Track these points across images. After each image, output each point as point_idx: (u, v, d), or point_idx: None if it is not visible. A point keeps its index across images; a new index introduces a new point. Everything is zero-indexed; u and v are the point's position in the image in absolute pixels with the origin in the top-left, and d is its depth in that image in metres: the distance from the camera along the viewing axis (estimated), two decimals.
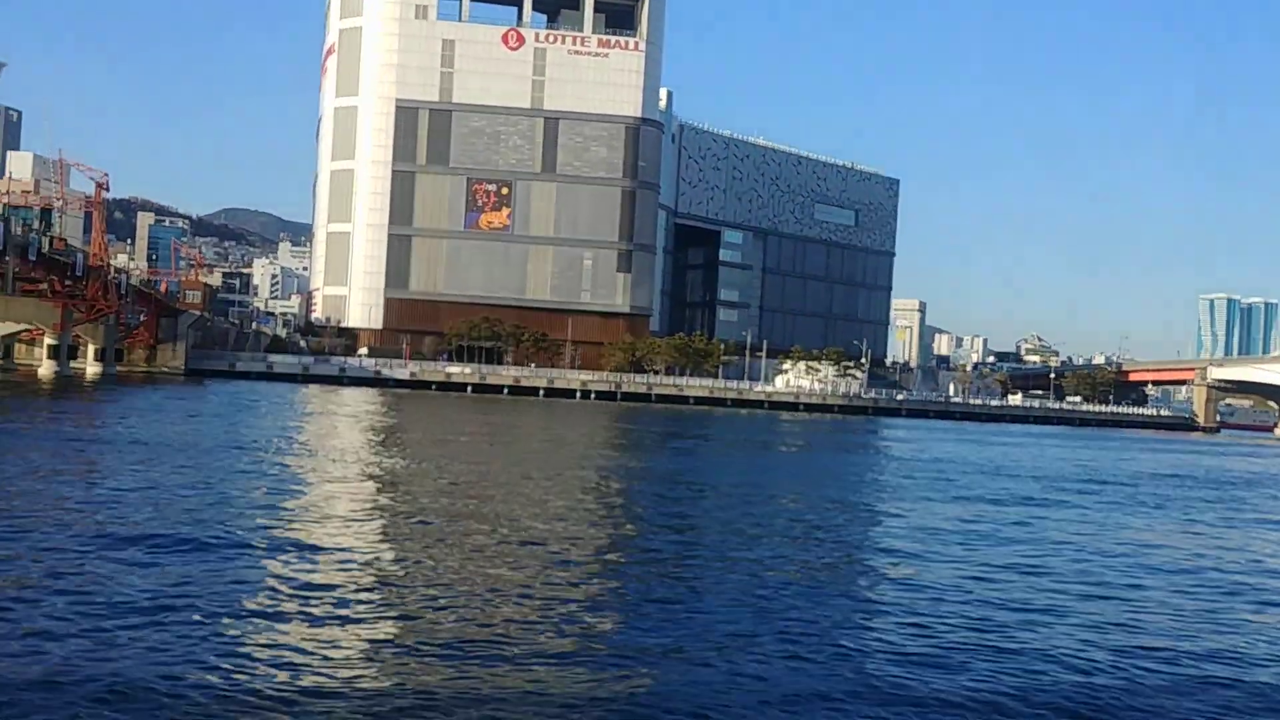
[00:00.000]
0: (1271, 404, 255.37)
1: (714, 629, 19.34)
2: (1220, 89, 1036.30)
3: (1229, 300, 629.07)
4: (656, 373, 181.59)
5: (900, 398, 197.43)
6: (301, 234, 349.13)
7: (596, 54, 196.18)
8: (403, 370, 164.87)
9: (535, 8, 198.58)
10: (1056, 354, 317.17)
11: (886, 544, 31.80)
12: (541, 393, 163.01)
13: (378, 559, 24.14)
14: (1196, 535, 39.50)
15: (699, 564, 26.04)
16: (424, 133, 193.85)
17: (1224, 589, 27.47)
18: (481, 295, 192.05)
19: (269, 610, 18.84)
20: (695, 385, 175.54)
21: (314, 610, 19.03)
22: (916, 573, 26.48)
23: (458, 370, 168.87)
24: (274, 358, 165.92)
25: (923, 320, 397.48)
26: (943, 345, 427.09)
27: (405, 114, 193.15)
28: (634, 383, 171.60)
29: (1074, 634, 20.79)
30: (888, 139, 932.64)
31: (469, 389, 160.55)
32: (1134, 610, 23.55)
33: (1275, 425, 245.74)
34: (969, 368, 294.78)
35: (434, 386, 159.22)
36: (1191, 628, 22.20)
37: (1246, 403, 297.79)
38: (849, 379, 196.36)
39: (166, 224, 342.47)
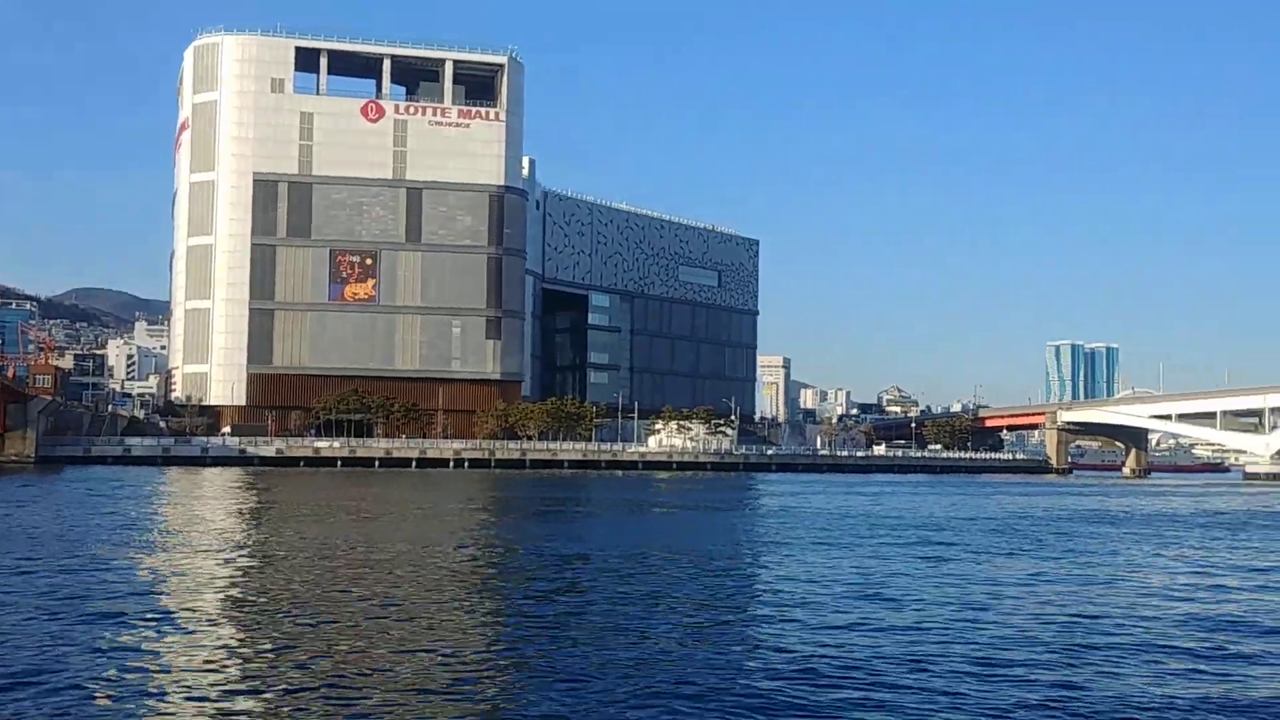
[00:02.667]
0: (1118, 444, 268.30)
1: (589, 698, 19.92)
2: (1063, 153, 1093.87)
3: (1073, 346, 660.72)
4: (530, 438, 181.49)
5: (770, 453, 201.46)
6: (158, 312, 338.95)
7: (457, 124, 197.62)
8: (269, 447, 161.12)
9: (394, 80, 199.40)
10: (916, 404, 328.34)
11: (767, 599, 32.96)
12: (414, 464, 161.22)
13: (244, 645, 23.95)
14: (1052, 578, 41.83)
15: (579, 629, 26.58)
16: (284, 205, 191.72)
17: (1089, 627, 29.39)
18: (349, 367, 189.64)
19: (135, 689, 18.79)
20: (569, 449, 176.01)
21: (171, 695, 19.04)
22: (800, 627, 27.62)
23: (326, 445, 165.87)
24: (132, 440, 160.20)
25: (788, 376, 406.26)
26: (808, 399, 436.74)
27: (264, 187, 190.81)
28: (508, 449, 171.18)
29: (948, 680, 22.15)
30: (748, 200, 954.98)
31: (339, 464, 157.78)
32: (1021, 654, 25.11)
33: (1123, 464, 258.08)
34: (834, 420, 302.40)
35: (302, 463, 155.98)
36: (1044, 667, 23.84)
37: (1094, 443, 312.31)
38: (720, 436, 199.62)
39: (13, 306, 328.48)
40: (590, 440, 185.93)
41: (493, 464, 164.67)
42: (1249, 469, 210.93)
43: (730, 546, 49.46)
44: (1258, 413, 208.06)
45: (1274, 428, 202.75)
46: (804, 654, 23.54)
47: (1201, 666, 23.15)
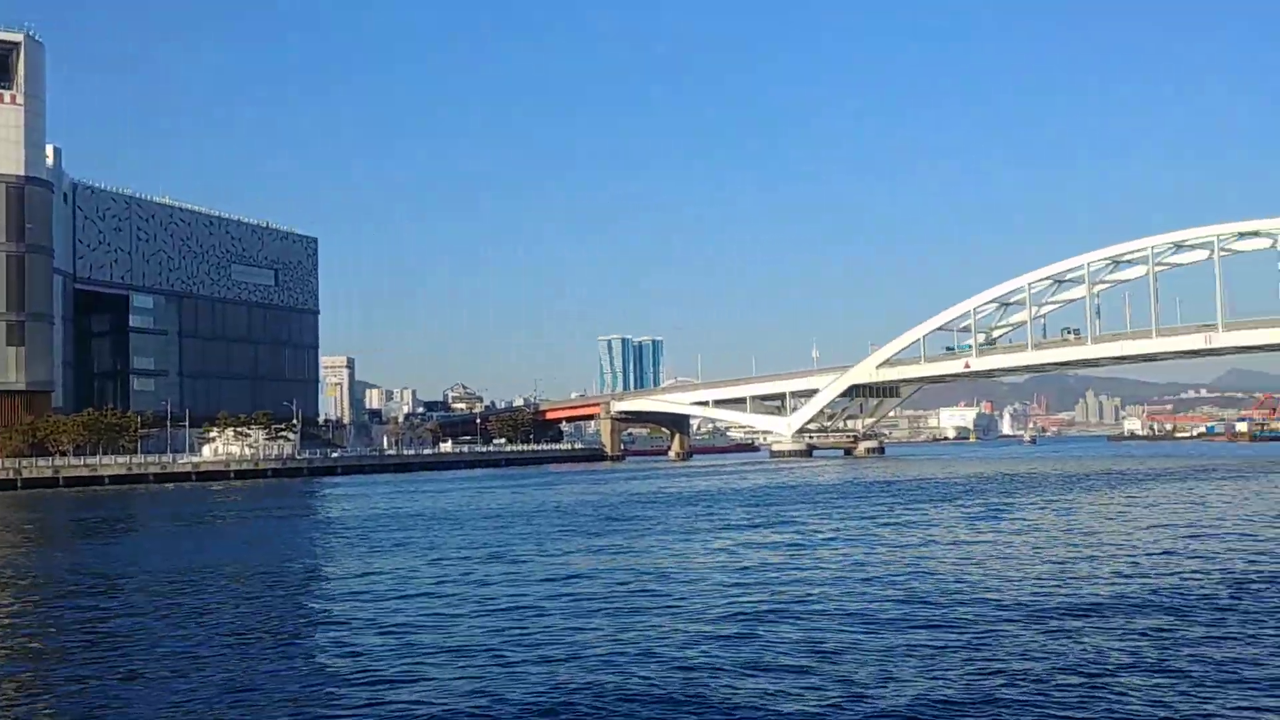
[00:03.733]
0: (664, 430, 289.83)
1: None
2: (607, 157, 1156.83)
3: (623, 340, 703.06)
4: (64, 454, 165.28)
5: (335, 456, 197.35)
6: None
7: None
8: None
9: None
10: (481, 400, 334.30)
11: (328, 606, 33.23)
12: None
13: None
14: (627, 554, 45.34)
15: (119, 664, 25.68)
16: None
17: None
18: None
19: None
20: (111, 463, 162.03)
21: None
22: (352, 633, 28.27)
23: None
24: None
25: (352, 376, 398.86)
26: (374, 400, 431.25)
27: None
28: (37, 467, 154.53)
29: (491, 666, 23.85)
30: (305, 197, 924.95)
31: None
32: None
33: (668, 448, 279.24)
34: (401, 420, 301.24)
35: None
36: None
37: (644, 430, 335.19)
38: (281, 441, 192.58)
39: None
40: (136, 453, 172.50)
41: (19, 485, 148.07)
42: (775, 447, 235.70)
43: (284, 555, 48.81)
44: (780, 397, 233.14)
45: (794, 410, 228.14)
46: (371, 655, 24.35)
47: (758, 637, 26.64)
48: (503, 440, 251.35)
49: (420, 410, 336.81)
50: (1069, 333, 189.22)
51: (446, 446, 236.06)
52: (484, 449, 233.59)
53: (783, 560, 41.16)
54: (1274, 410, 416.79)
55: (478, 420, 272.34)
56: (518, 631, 26.82)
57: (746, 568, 39.11)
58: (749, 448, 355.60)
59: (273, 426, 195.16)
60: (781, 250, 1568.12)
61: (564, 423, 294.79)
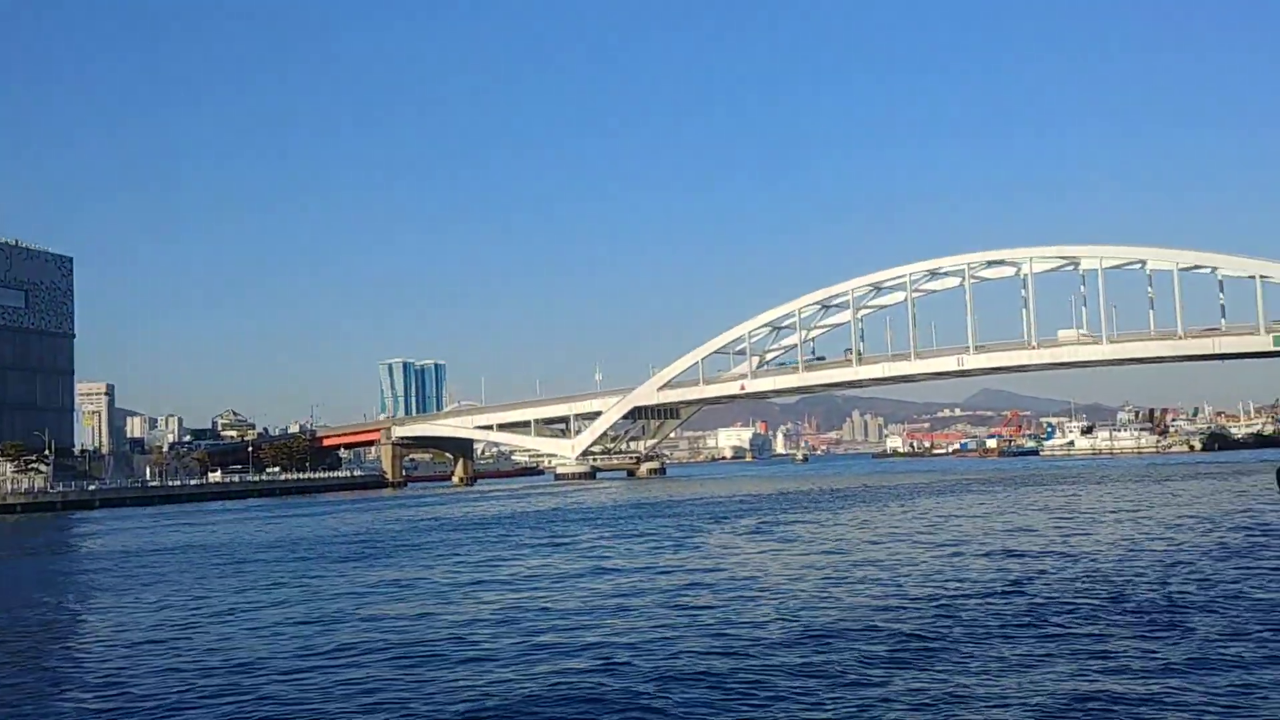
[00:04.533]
0: (447, 455, 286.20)
1: None
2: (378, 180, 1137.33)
3: (405, 363, 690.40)
4: None
5: (93, 488, 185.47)
6: None
7: None
8: None
9: None
10: (253, 426, 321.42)
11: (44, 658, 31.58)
12: None
13: None
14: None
15: None
16: None
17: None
18: None
19: None
20: None
21: None
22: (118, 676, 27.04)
23: None
24: None
25: (112, 403, 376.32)
26: (136, 428, 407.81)
27: None
28: None
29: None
30: (60, 214, 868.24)
31: None
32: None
33: (451, 474, 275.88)
34: (165, 449, 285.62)
35: None
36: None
37: (427, 455, 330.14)
38: (32, 474, 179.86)
39: None
40: None
41: None
42: (559, 470, 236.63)
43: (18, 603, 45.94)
44: (565, 420, 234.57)
45: (578, 432, 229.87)
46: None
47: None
48: (276, 469, 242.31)
49: (187, 439, 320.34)
50: (849, 354, 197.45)
51: (216, 476, 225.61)
52: (256, 478, 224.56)
53: (570, 584, 41.73)
54: (1019, 428, 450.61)
55: (250, 447, 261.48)
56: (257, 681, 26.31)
57: (528, 595, 39.48)
58: (534, 471, 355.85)
59: (22, 459, 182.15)
60: (560, 270, 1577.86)
61: (343, 449, 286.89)
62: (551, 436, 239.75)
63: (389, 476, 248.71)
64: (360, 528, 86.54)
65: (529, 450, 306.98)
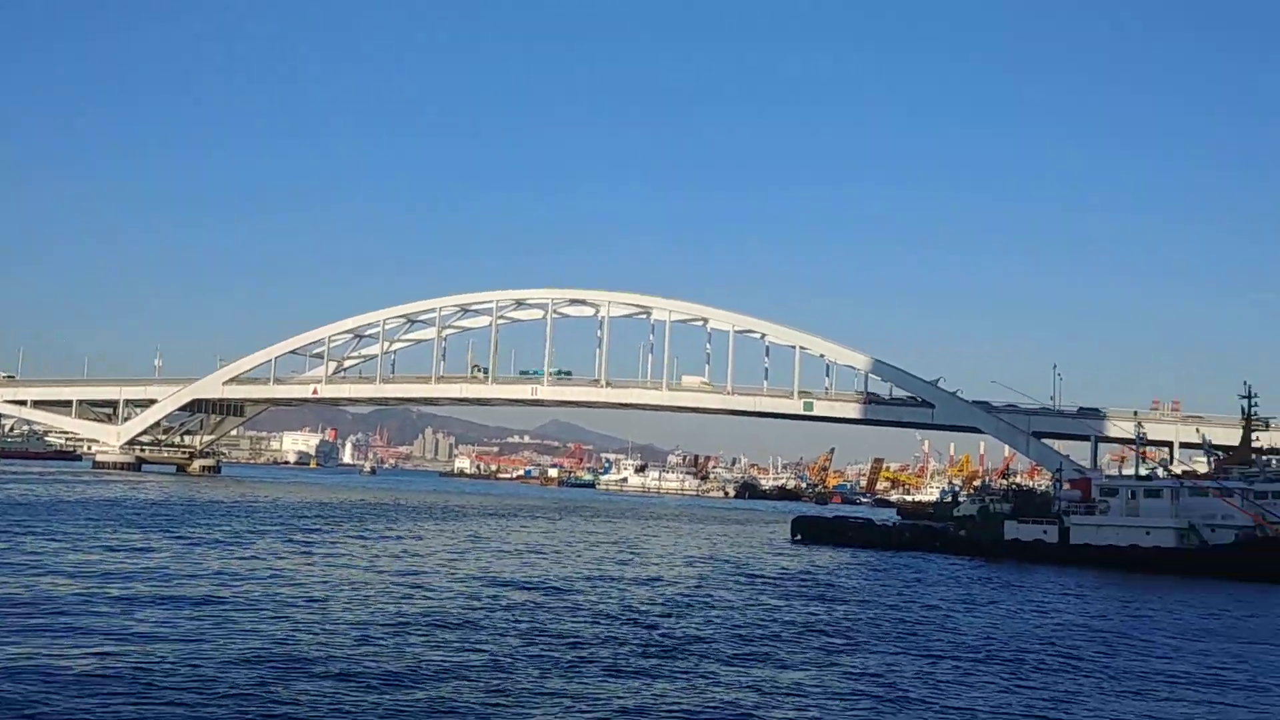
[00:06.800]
0: None
1: None
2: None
3: None
4: None
5: None
6: None
7: None
8: None
9: None
10: None
11: None
12: None
13: None
14: None
15: None
16: None
17: None
18: None
19: None
20: None
21: None
22: None
23: None
24: None
25: None
26: None
27: None
28: None
29: None
30: None
31: None
32: None
33: None
34: None
35: None
36: None
37: None
38: None
39: None
40: None
41: None
42: (100, 457, 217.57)
43: None
44: (114, 403, 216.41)
45: (126, 419, 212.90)
46: None
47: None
48: None
49: None
50: (477, 370, 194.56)
51: None
52: None
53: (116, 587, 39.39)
54: (581, 460, 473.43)
55: None
56: None
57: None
58: (69, 455, 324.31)
59: None
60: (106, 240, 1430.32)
61: None
62: (95, 420, 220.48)
63: None
64: None
65: (67, 432, 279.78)
